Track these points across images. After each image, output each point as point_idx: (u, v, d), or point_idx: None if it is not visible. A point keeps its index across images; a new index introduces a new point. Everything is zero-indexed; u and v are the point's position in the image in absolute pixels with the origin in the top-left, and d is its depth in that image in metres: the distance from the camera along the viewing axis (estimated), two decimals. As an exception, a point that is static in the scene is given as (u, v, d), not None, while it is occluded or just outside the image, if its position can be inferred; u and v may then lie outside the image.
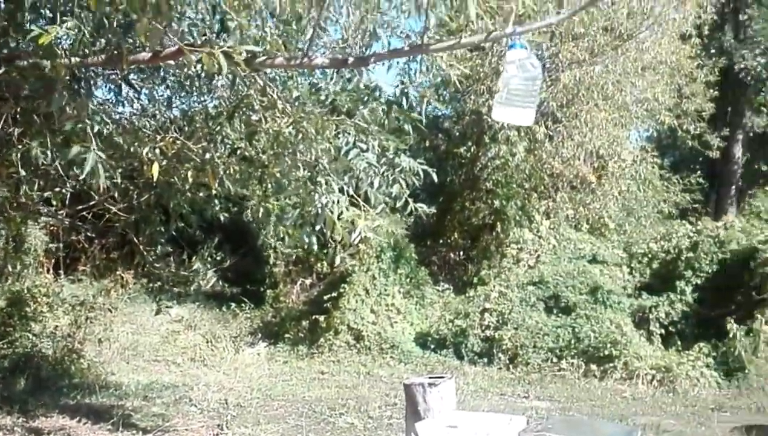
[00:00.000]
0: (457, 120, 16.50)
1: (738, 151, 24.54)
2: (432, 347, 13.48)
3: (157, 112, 6.54)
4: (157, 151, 4.89)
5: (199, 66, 3.91)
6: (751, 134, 24.65)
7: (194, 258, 12.92)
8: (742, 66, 22.24)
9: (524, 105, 3.55)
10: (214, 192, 5.83)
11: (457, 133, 16.47)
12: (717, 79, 20.62)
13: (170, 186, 6.11)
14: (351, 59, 4.07)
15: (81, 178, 4.28)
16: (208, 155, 5.52)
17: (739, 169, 24.74)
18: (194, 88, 6.32)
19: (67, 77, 4.23)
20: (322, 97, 5.67)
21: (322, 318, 14.00)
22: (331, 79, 5.90)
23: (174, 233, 7.55)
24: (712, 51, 21.71)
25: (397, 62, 9.72)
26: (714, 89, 20.61)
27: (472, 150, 16.11)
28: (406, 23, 5.98)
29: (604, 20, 14.05)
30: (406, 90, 4.95)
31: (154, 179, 4.71)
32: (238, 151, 5.44)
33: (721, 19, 22.88)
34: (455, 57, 5.69)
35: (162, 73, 6.23)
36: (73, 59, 4.06)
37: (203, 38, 4.15)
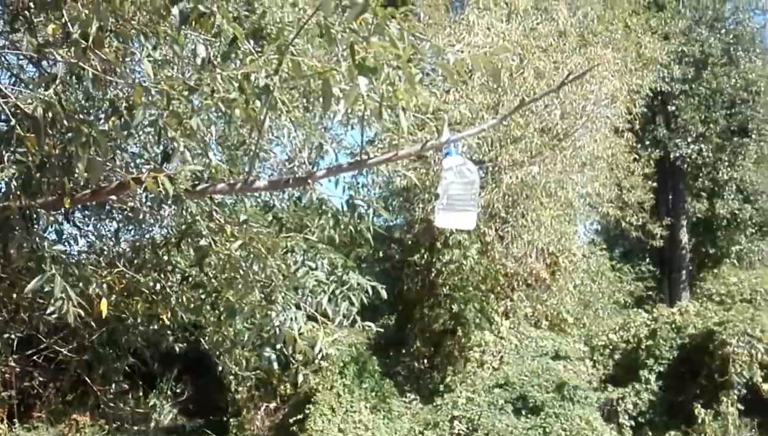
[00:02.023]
0: (408, 229, 16.66)
1: (684, 236, 25.18)
2: (403, 461, 13.15)
3: (104, 247, 6.51)
4: (105, 286, 4.84)
5: (144, 196, 3.95)
6: (695, 219, 25.39)
7: (153, 392, 12.58)
8: (677, 155, 23.15)
9: (465, 209, 3.65)
10: (167, 323, 5.76)
11: (410, 242, 16.59)
12: (653, 170, 21.37)
13: (121, 321, 6.01)
14: (291, 180, 4.15)
15: (48, 311, 4.15)
16: (158, 286, 5.49)
17: (687, 253, 25.32)
18: (142, 220, 6.33)
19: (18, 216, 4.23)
20: (270, 218, 5.72)
21: (289, 443, 13.60)
22: (279, 197, 5.98)
23: (130, 368, 7.38)
24: (647, 143, 22.60)
25: (344, 176, 9.88)
26: (651, 180, 21.33)
27: (426, 257, 16.20)
28: (349, 137, 6.15)
29: (539, 122, 14.57)
30: (352, 202, 5.03)
31: (103, 316, 4.64)
32: (190, 279, 5.41)
33: (652, 112, 23.94)
34: (399, 166, 5.82)
35: (108, 208, 6.25)
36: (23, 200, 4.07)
37: (146, 168, 4.21)
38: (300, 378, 9.94)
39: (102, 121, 3.42)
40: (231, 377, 15.46)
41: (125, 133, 3.92)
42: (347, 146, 5.42)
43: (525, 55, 14.11)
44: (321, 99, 3.96)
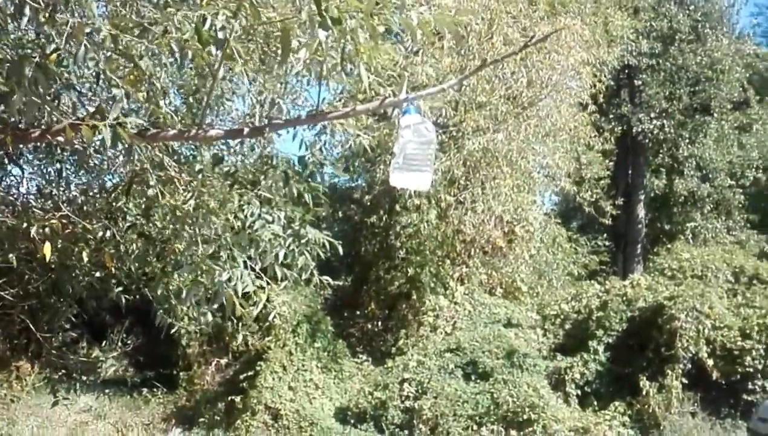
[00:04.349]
0: (368, 190, 16.59)
1: (641, 211, 25.50)
2: (352, 421, 13.20)
3: (54, 191, 6.30)
4: (47, 230, 4.68)
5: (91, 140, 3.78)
6: (653, 195, 25.71)
7: (103, 344, 12.38)
8: (639, 129, 23.31)
9: (420, 169, 3.57)
10: (114, 272, 5.61)
11: (369, 203, 16.53)
12: (613, 147, 21.51)
13: (67, 268, 5.84)
14: (246, 130, 4.01)
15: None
16: (107, 234, 5.33)
17: (643, 228, 25.66)
18: (93, 166, 6.13)
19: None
20: (225, 169, 5.58)
21: (238, 399, 13.57)
22: (235, 150, 5.83)
23: (81, 317, 7.21)
24: (611, 116, 22.70)
25: (304, 130, 9.72)
26: (611, 156, 21.50)
27: (384, 219, 16.18)
28: (308, 93, 6.00)
29: (505, 89, 14.51)
30: (304, 159, 4.91)
31: (47, 259, 4.49)
32: (137, 228, 5.26)
33: (618, 86, 24.04)
34: (362, 126, 5.70)
35: (59, 151, 6.04)
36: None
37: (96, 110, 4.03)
38: (239, 338, 9.85)
39: (41, 58, 3.24)
40: (183, 331, 15.35)
41: (67, 72, 3.75)
42: (302, 105, 5.29)
43: (493, 20, 14.00)
44: (279, 50, 3.83)
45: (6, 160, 5.53)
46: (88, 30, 3.18)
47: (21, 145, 5.09)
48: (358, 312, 16.86)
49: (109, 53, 3.41)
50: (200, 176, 5.22)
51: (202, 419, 13.98)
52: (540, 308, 15.87)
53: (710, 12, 23.74)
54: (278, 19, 3.62)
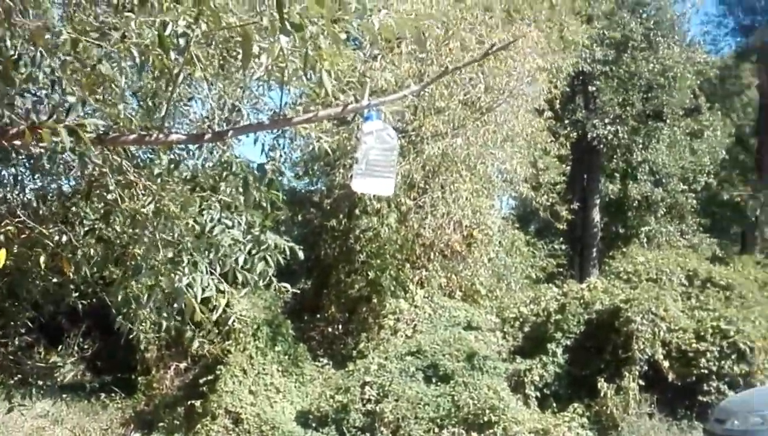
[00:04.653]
0: (328, 194, 16.60)
1: (596, 215, 25.91)
2: (314, 425, 13.16)
3: (8, 195, 6.21)
4: (2, 236, 4.61)
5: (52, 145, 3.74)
6: (608, 199, 26.15)
7: (60, 348, 12.24)
8: (594, 135, 23.69)
9: (383, 175, 3.61)
10: (71, 277, 5.55)
11: (329, 207, 16.54)
12: (568, 152, 21.84)
13: (23, 273, 5.75)
14: (208, 134, 4.00)
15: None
16: (64, 238, 5.27)
17: (598, 232, 26.07)
18: (50, 169, 6.05)
19: None
20: (185, 174, 5.55)
21: (198, 403, 13.43)
22: (193, 154, 5.80)
23: (38, 321, 7.11)
24: (566, 122, 23.03)
25: (265, 135, 9.71)
26: (567, 161, 21.83)
27: (344, 223, 16.20)
28: (268, 97, 6.00)
29: (463, 94, 14.63)
30: (264, 165, 4.91)
31: (1, 266, 4.42)
32: (95, 232, 5.21)
33: (573, 92, 24.40)
34: (321, 130, 5.72)
35: (14, 155, 5.95)
36: None
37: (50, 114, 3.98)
38: (196, 344, 9.77)
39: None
40: (141, 335, 15.18)
41: (23, 76, 3.71)
42: (262, 109, 5.29)
43: (451, 26, 14.12)
44: (240, 55, 3.84)
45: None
46: (47, 35, 3.15)
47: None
48: (318, 316, 16.83)
49: (66, 57, 3.37)
50: (159, 180, 5.19)
51: (161, 424, 13.82)
52: (499, 311, 16.02)
53: (662, 20, 24.24)
54: (239, 24, 3.63)
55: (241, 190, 4.88)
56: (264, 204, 5.00)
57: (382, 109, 3.96)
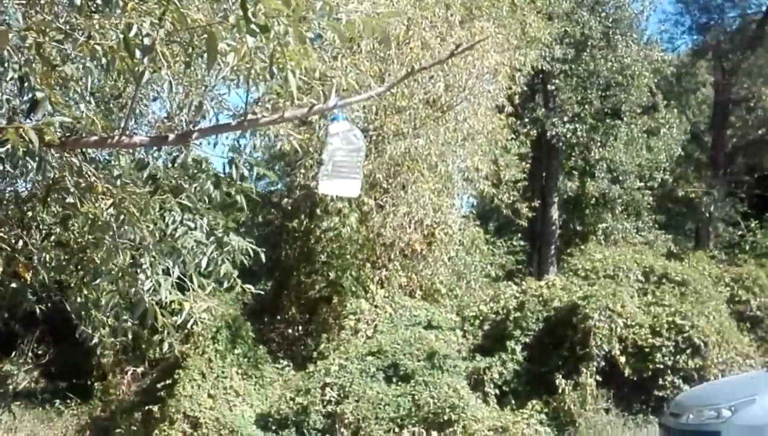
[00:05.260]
0: (288, 194, 16.49)
1: (555, 213, 26.15)
2: (273, 428, 13.04)
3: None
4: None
5: (9, 146, 3.62)
6: (566, 196, 26.41)
7: (13, 355, 11.95)
8: (553, 133, 23.90)
9: (350, 176, 3.57)
10: (29, 282, 5.40)
11: (290, 208, 16.43)
12: (528, 150, 22.02)
13: (-23, 278, 5.58)
14: (171, 136, 3.92)
15: None
16: (20, 243, 5.13)
17: (556, 230, 26.32)
18: (6, 173, 5.88)
19: None
20: (144, 176, 5.44)
21: (156, 408, 13.23)
22: (155, 156, 5.69)
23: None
24: (526, 120, 23.18)
25: (226, 137, 9.59)
26: (527, 159, 21.98)
27: (305, 223, 16.11)
28: (231, 98, 5.92)
29: (424, 93, 14.62)
30: (234, 162, 4.83)
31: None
32: (53, 237, 5.08)
33: (532, 91, 24.59)
34: (285, 130, 5.65)
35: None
36: None
37: (10, 117, 3.88)
38: (165, 346, 9.65)
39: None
40: (97, 340, 14.88)
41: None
42: (229, 108, 5.20)
43: (411, 25, 14.10)
44: (205, 55, 3.76)
45: None
46: (12, 36, 3.05)
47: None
48: (278, 317, 16.72)
49: (31, 58, 3.27)
50: (119, 182, 5.08)
51: (118, 430, 13.60)
52: (459, 310, 16.09)
53: (621, 19, 24.47)
54: (204, 24, 3.55)
55: (212, 188, 4.80)
56: (238, 200, 4.93)
57: (346, 109, 3.92)
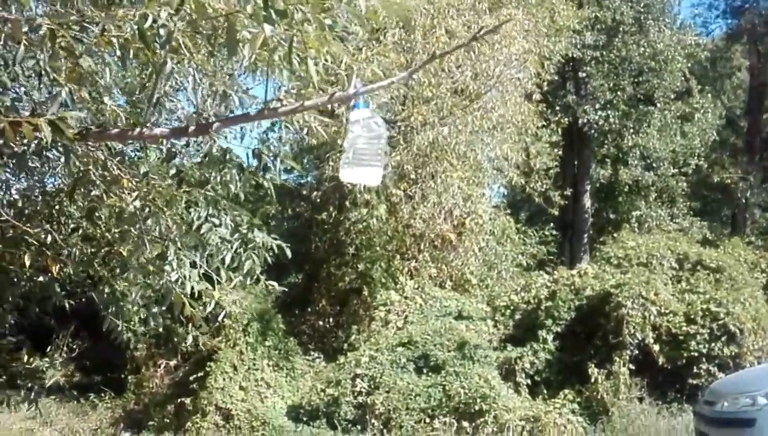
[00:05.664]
0: (318, 186, 16.52)
1: (587, 201, 25.90)
2: (305, 419, 13.10)
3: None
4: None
5: (35, 142, 3.65)
6: (598, 185, 26.13)
7: (49, 349, 12.13)
8: (585, 121, 23.64)
9: (371, 164, 3.52)
10: (57, 276, 5.45)
11: (319, 200, 16.46)
12: (560, 139, 21.81)
13: (7, 273, 5.64)
14: (192, 128, 3.91)
15: None
16: (49, 237, 5.17)
17: (589, 218, 26.06)
18: (33, 168, 5.93)
19: None
20: (171, 170, 5.44)
21: (188, 401, 13.36)
22: (182, 150, 5.70)
23: (28, 319, 7.02)
24: (557, 108, 22.96)
25: (251, 130, 9.61)
26: (558, 147, 21.76)
27: (334, 215, 16.12)
28: (258, 90, 5.89)
29: (451, 82, 14.54)
30: (258, 152, 4.80)
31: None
32: (80, 230, 5.12)
33: (563, 78, 24.34)
34: (311, 120, 5.62)
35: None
36: None
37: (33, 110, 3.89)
38: (190, 339, 9.70)
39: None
40: (130, 334, 15.03)
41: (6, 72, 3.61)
42: (254, 96, 5.18)
43: (437, 14, 14.01)
44: (226, 44, 3.74)
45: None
46: (25, 28, 3.05)
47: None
48: (309, 309, 16.77)
49: (50, 51, 3.27)
50: (145, 178, 5.09)
51: (151, 423, 13.73)
52: (490, 300, 15.98)
53: (653, 3, 24.11)
54: (224, 13, 3.53)
55: (237, 178, 4.76)
56: (268, 189, 4.88)
57: (368, 97, 3.88)
